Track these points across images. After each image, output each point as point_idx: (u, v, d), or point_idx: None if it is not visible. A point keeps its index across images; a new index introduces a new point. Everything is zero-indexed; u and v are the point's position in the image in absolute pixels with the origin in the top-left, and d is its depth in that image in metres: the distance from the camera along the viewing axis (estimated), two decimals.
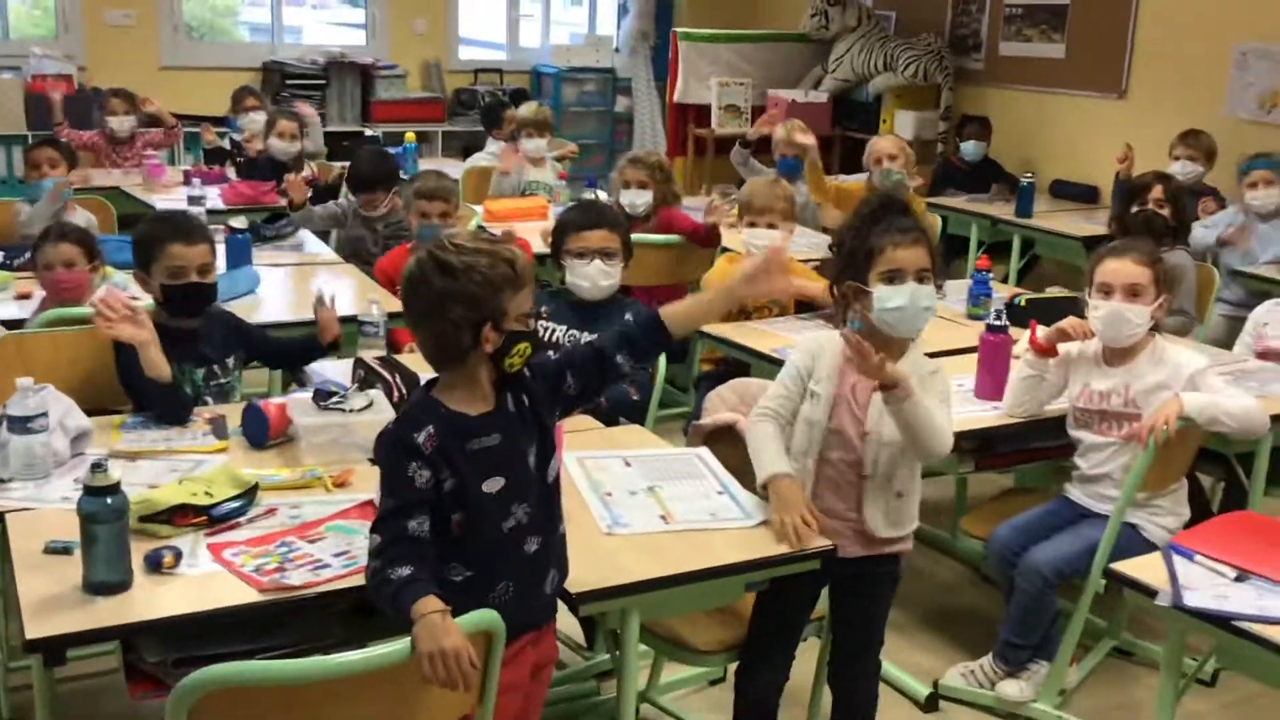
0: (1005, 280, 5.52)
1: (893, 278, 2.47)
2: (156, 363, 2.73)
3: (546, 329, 3.38)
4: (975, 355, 3.23)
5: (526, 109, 6.16)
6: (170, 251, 2.89)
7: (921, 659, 3.29)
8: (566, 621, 2.39)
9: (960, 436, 2.93)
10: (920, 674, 3.20)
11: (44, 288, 3.50)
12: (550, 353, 2.17)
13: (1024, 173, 6.18)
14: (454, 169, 6.09)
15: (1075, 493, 3.13)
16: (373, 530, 1.93)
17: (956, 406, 2.98)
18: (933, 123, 7.34)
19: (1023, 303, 3.83)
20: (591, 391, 2.15)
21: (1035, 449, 3.22)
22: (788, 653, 2.64)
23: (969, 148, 6.66)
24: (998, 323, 3.18)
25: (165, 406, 2.73)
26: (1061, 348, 3.10)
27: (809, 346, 2.59)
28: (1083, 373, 3.09)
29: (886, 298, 2.47)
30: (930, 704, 3.12)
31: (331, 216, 5.09)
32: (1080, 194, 6.48)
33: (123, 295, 3.30)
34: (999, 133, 6.81)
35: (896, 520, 2.53)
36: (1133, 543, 2.90)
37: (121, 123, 6.27)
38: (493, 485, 1.97)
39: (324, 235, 5.02)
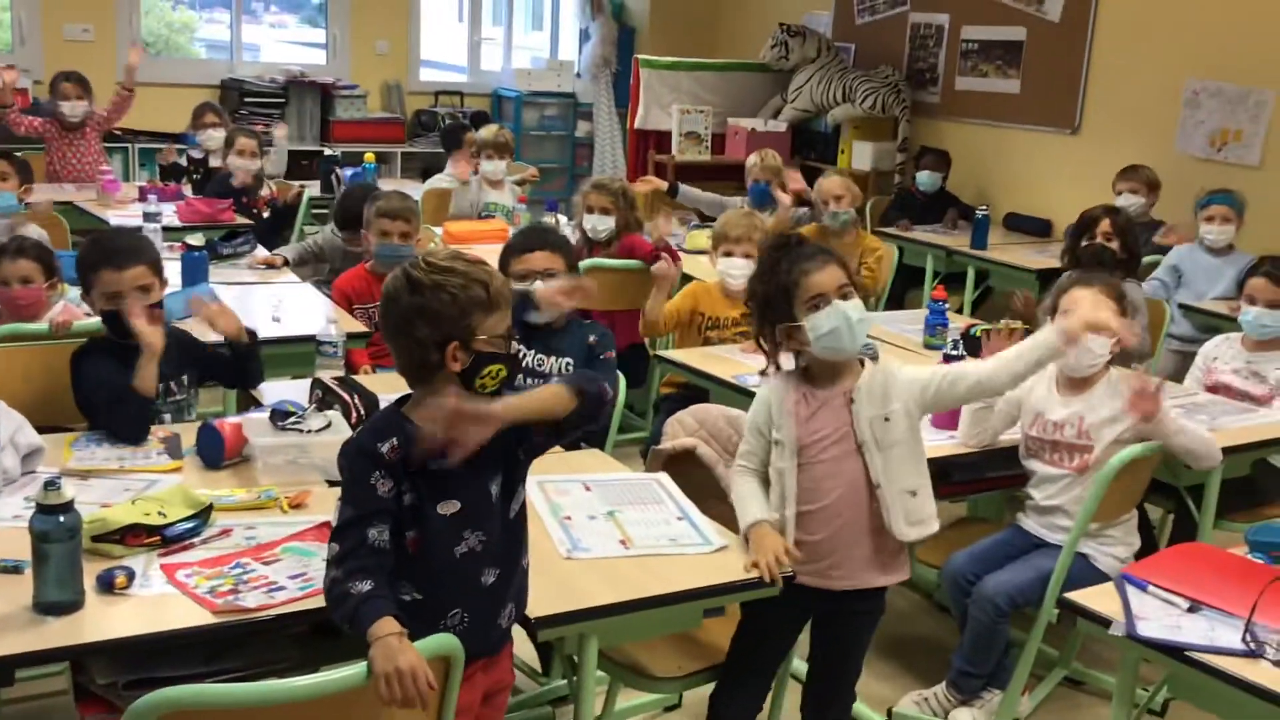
0: (960, 311, 5.58)
1: (818, 304, 2.48)
2: (150, 376, 2.76)
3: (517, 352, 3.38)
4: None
5: (486, 131, 6.17)
6: (102, 278, 2.85)
7: (876, 687, 3.29)
8: (523, 647, 2.38)
9: None
10: (874, 702, 3.20)
11: None
12: (525, 378, 2.14)
13: (979, 205, 6.26)
14: (413, 190, 6.07)
15: (1028, 523, 3.16)
16: (332, 539, 1.91)
17: None
18: (890, 154, 7.41)
19: (979, 333, 3.86)
20: (560, 439, 2.11)
21: (990, 478, 3.25)
22: (765, 681, 2.65)
23: (924, 178, 6.73)
24: (955, 352, 3.22)
25: (133, 421, 2.71)
26: None
27: (762, 396, 2.60)
28: (1037, 401, 3.12)
29: (819, 325, 2.47)
30: None
31: (310, 253, 5.06)
32: (1034, 227, 6.56)
33: (79, 312, 3.27)
34: (956, 165, 6.89)
35: (917, 518, 2.54)
36: (1085, 573, 2.92)
37: (74, 107, 6.18)
38: (447, 507, 1.96)
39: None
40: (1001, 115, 7.07)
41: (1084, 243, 4.39)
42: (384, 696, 1.72)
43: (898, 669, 3.43)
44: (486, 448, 1.99)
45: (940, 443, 3.12)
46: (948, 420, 3.18)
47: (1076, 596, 2.39)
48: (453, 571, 1.97)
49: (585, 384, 2.03)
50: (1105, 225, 4.37)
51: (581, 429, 2.09)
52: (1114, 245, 4.34)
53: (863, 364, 2.56)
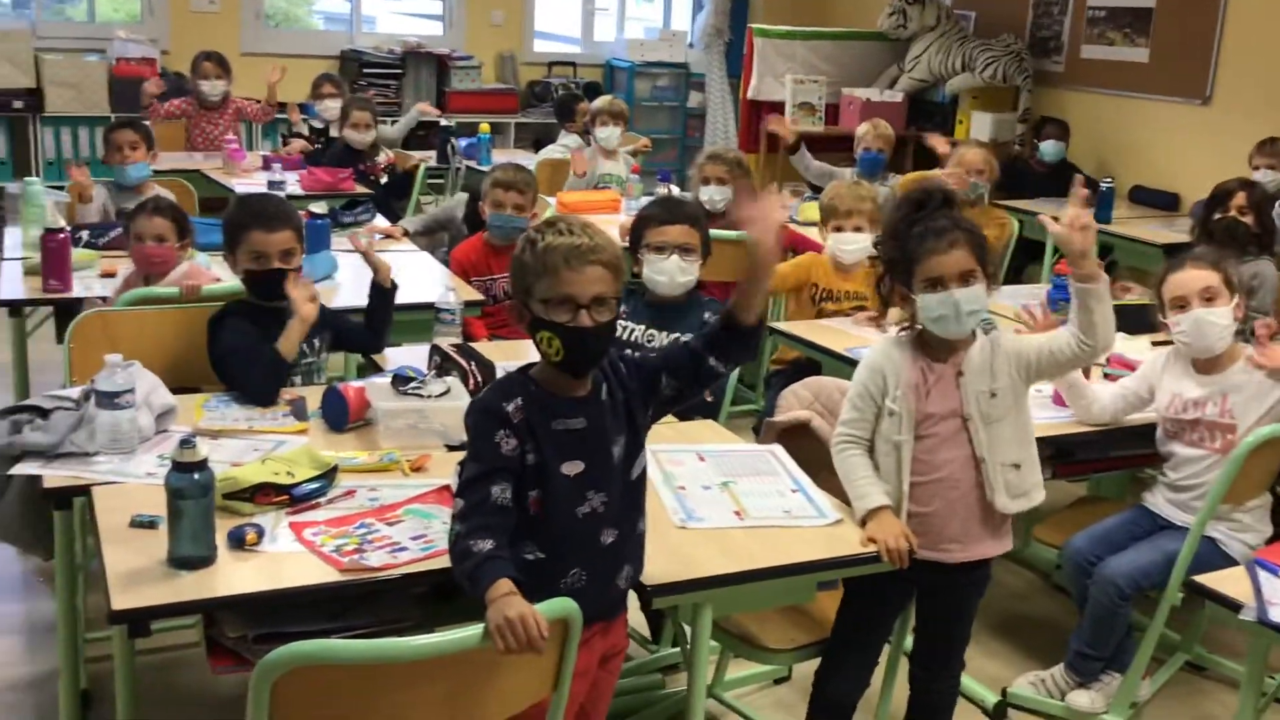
0: None
1: (935, 284, 2.43)
2: (294, 341, 2.84)
3: (624, 328, 3.36)
4: None
5: (601, 99, 6.17)
6: (252, 238, 2.91)
7: (990, 666, 3.25)
8: (633, 615, 2.39)
9: (1037, 443, 2.90)
10: (989, 681, 3.16)
11: (132, 257, 3.55)
12: (633, 352, 2.14)
13: (1102, 177, 6.09)
14: (526, 161, 6.10)
15: (1156, 503, 3.08)
16: (456, 495, 1.95)
17: (1036, 413, 2.93)
18: (1010, 124, 7.25)
19: None
20: (688, 394, 2.12)
21: (1114, 458, 3.17)
22: (873, 657, 2.63)
23: (1048, 148, 6.57)
24: None
25: (266, 382, 2.78)
26: (1148, 358, 3.04)
27: (873, 362, 2.54)
28: (1172, 382, 3.03)
29: (930, 307, 2.44)
30: (998, 712, 3.09)
31: (435, 220, 5.13)
32: (1160, 201, 6.37)
33: (206, 275, 3.36)
34: (1078, 136, 6.71)
35: (1019, 492, 2.50)
36: (1212, 557, 2.84)
37: (214, 86, 6.29)
38: (572, 468, 1.98)
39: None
40: (1128, 85, 6.86)
41: (1216, 216, 4.25)
42: (499, 648, 1.74)
43: (1013, 649, 3.38)
44: (611, 412, 2.01)
45: (1063, 420, 3.05)
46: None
47: (1205, 580, 2.33)
48: (574, 531, 1.99)
49: (763, 325, 2.10)
50: (1240, 199, 4.22)
51: (715, 376, 2.10)
52: (1248, 220, 4.19)
53: (974, 335, 2.51)
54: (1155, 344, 3.35)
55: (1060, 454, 3.03)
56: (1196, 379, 3.01)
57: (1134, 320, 3.64)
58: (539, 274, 1.95)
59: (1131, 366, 3.19)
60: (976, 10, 7.83)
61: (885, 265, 2.57)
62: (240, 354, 2.83)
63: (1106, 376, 3.12)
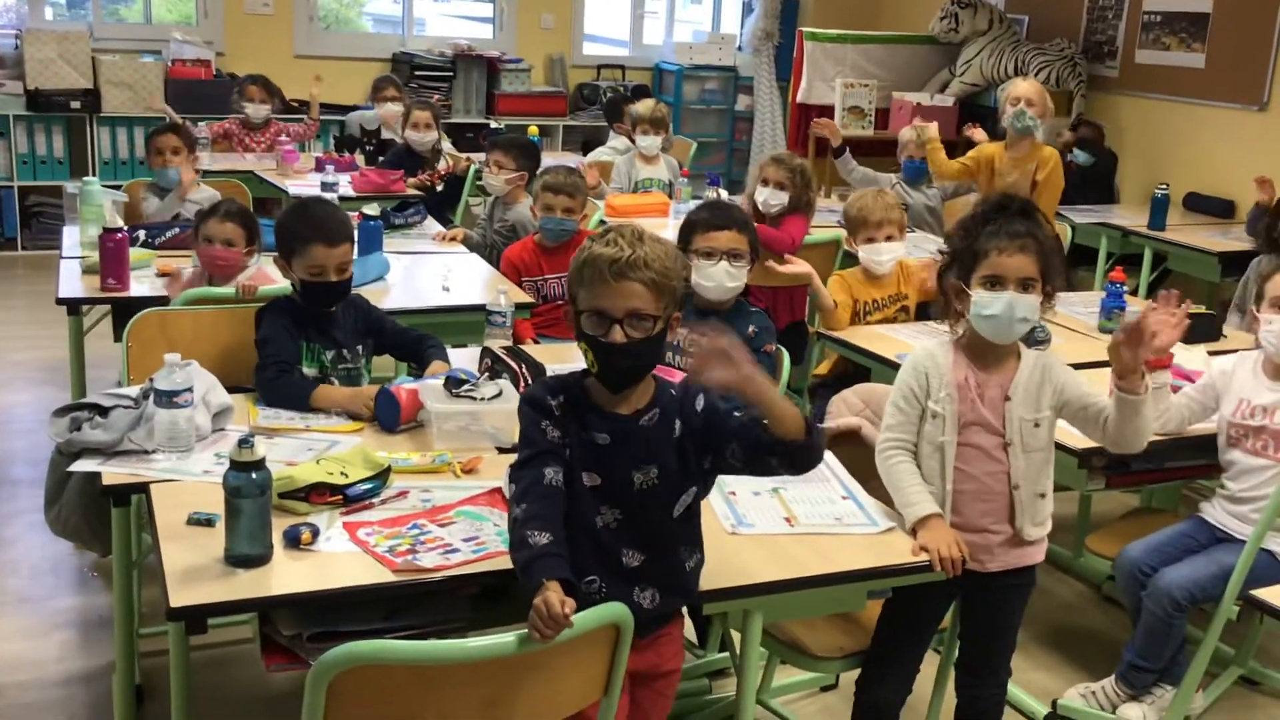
0: (1135, 293, 5.38)
1: (994, 283, 2.42)
2: (332, 403, 2.77)
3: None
4: (1108, 370, 3.14)
5: (643, 106, 6.12)
6: (313, 252, 2.88)
7: (1040, 678, 3.22)
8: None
9: (1091, 453, 2.88)
10: (1038, 693, 3.13)
11: (200, 259, 3.59)
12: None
13: (1156, 184, 6.02)
14: (574, 163, 6.11)
15: (1214, 514, 3.03)
16: (510, 478, 1.98)
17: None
18: (1063, 130, 7.17)
19: None
20: (752, 473, 2.04)
21: (1170, 469, 3.13)
22: (914, 664, 2.61)
23: (1079, 155, 6.50)
24: None
25: (281, 394, 2.79)
26: (1215, 364, 3.00)
27: (916, 363, 2.53)
28: (1239, 387, 2.99)
29: (983, 304, 2.43)
30: None
31: (509, 227, 5.03)
32: (1216, 208, 6.28)
33: (269, 276, 3.39)
34: (1131, 143, 6.64)
35: (1040, 519, 2.52)
36: (1270, 570, 2.79)
37: (258, 110, 6.42)
38: (590, 479, 2.00)
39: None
40: (1184, 90, 6.77)
41: None
42: (534, 637, 1.74)
43: (1063, 660, 3.35)
44: (645, 438, 1.99)
45: None
46: None
47: (1262, 593, 2.29)
48: (593, 540, 2.00)
49: (817, 435, 1.97)
50: None
51: (780, 474, 2.04)
52: None
53: (1018, 353, 2.50)
54: (1212, 354, 3.30)
55: (1114, 465, 3.00)
56: (1270, 384, 2.97)
57: (1201, 330, 3.59)
58: (580, 283, 1.98)
59: (1190, 377, 3.15)
60: (1029, 14, 7.76)
61: (950, 256, 2.54)
62: (270, 347, 2.83)
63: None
